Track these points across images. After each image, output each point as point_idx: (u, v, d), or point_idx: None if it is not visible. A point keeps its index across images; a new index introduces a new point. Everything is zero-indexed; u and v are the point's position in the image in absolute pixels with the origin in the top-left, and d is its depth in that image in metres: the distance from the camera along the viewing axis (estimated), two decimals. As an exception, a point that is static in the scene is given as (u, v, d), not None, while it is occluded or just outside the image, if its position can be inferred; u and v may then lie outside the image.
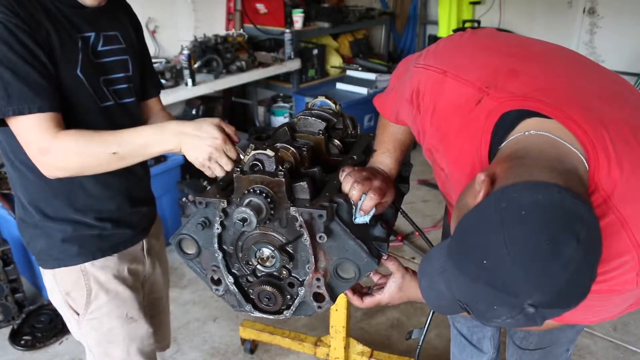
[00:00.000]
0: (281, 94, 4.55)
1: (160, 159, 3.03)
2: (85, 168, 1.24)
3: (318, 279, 1.12)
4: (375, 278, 1.24)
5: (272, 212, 1.06)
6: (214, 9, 4.05)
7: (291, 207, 1.07)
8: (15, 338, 2.56)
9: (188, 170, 3.22)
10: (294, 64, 4.02)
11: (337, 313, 2.08)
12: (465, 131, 0.96)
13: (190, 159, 1.20)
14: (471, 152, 0.96)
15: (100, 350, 1.49)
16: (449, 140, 1.01)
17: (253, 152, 1.11)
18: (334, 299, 1.15)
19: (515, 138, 0.88)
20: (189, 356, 2.51)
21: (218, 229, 1.13)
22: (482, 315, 0.76)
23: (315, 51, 4.31)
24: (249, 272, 1.18)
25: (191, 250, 1.19)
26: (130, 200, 1.44)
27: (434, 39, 4.87)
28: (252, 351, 2.49)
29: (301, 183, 1.09)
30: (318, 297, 1.15)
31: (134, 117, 1.42)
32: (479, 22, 4.72)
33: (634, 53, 4.13)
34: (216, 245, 1.15)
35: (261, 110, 4.50)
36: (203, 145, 1.17)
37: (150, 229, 1.56)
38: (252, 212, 1.03)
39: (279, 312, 1.20)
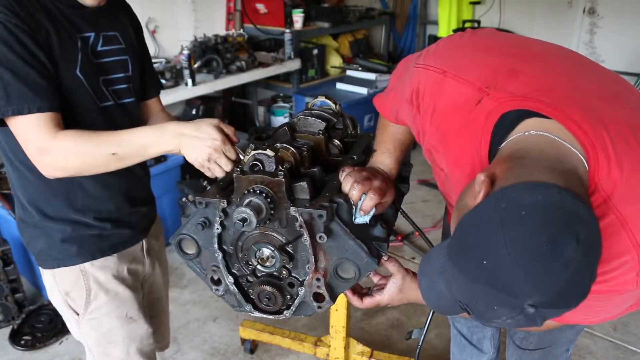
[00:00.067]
0: (281, 94, 4.55)
1: (160, 159, 3.03)
2: (85, 168, 1.24)
3: (318, 279, 1.12)
4: (376, 279, 1.24)
5: (272, 212, 1.06)
6: (214, 9, 4.05)
7: (291, 207, 1.07)
8: (15, 338, 2.56)
9: (188, 170, 3.22)
10: (294, 64, 4.02)
11: (337, 313, 2.08)
12: (465, 131, 0.96)
13: (190, 160, 1.20)
14: (471, 152, 0.96)
15: (99, 350, 1.49)
16: (448, 141, 1.01)
17: (253, 152, 1.11)
18: (334, 299, 1.15)
19: (515, 138, 0.88)
20: (189, 356, 2.51)
21: (218, 229, 1.13)
22: (482, 316, 0.76)
23: (315, 51, 4.31)
24: (249, 272, 1.18)
25: (191, 250, 1.19)
26: (130, 201, 1.44)
27: (434, 39, 4.86)
28: (252, 351, 2.49)
29: (301, 183, 1.09)
30: (318, 297, 1.15)
31: (133, 118, 1.42)
32: (479, 22, 4.72)
33: (634, 53, 4.12)
34: (216, 245, 1.15)
35: (261, 110, 4.50)
36: (202, 146, 1.17)
37: (150, 229, 1.56)
38: (252, 212, 1.03)
39: (279, 312, 1.20)
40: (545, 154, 0.81)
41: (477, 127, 0.94)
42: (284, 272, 1.15)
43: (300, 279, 1.15)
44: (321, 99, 1.44)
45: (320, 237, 1.07)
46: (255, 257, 1.15)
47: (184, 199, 1.17)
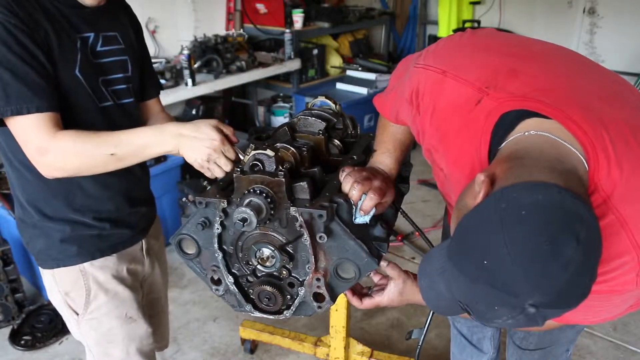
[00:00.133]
0: (281, 94, 4.55)
1: (160, 159, 3.03)
2: (84, 168, 1.24)
3: (318, 279, 1.12)
4: (376, 278, 1.24)
5: (272, 212, 1.06)
6: (214, 9, 4.05)
7: (291, 207, 1.07)
8: (15, 338, 2.56)
9: (188, 170, 3.21)
10: (294, 64, 4.02)
11: (337, 313, 2.08)
12: (464, 131, 0.96)
13: (189, 160, 1.20)
14: (471, 152, 0.96)
15: (99, 350, 1.49)
16: (448, 141, 1.01)
17: (253, 152, 1.11)
18: (334, 299, 1.15)
19: (515, 138, 0.88)
20: (189, 356, 2.51)
21: (218, 229, 1.13)
22: (482, 316, 0.76)
23: (315, 51, 4.31)
24: (249, 272, 1.18)
25: (191, 250, 1.19)
26: (129, 201, 1.44)
27: (434, 39, 4.86)
28: (252, 351, 2.49)
29: (301, 183, 1.09)
30: (318, 297, 1.15)
31: (132, 118, 1.41)
32: (479, 22, 4.72)
33: (634, 53, 4.12)
34: (216, 245, 1.15)
35: (261, 110, 4.49)
36: (201, 146, 1.17)
37: (149, 229, 1.56)
38: (252, 212, 1.03)
39: (279, 312, 1.20)
40: (545, 154, 0.81)
41: (477, 127, 0.94)
42: (284, 272, 1.15)
43: (300, 279, 1.15)
44: (321, 99, 1.44)
45: (320, 237, 1.07)
46: (256, 257, 1.15)
47: (184, 199, 1.17)
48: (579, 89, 0.93)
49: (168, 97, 3.10)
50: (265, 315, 1.21)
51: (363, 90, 4.21)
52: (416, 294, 1.15)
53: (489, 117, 0.92)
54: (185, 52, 3.22)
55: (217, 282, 1.21)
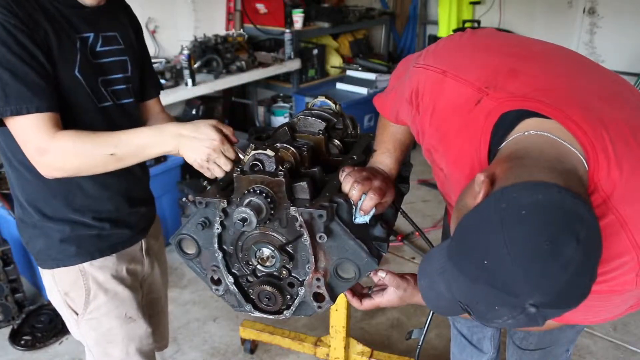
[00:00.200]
0: (281, 94, 4.55)
1: (160, 159, 3.03)
2: (83, 168, 1.24)
3: (318, 279, 1.12)
4: (376, 278, 1.24)
5: (272, 212, 1.06)
6: (214, 9, 4.05)
7: (291, 207, 1.07)
8: (15, 338, 2.56)
9: (188, 170, 3.21)
10: (294, 64, 4.02)
11: (337, 313, 2.08)
12: (464, 131, 0.96)
13: (189, 160, 1.20)
14: (470, 152, 0.96)
15: (99, 350, 1.49)
16: (448, 141, 1.01)
17: (253, 152, 1.11)
18: (334, 299, 1.15)
19: (514, 138, 0.87)
20: (189, 356, 2.50)
21: (218, 229, 1.13)
22: (482, 316, 0.76)
23: (315, 51, 4.31)
24: (249, 272, 1.18)
25: (191, 250, 1.19)
26: (129, 201, 1.44)
27: (434, 39, 4.86)
28: (252, 351, 2.49)
29: (301, 183, 1.09)
30: (318, 297, 1.15)
31: (132, 118, 1.41)
32: (479, 22, 4.72)
33: (634, 53, 4.12)
34: (216, 245, 1.15)
35: (261, 110, 4.49)
36: (201, 146, 1.17)
37: (149, 229, 1.56)
38: (252, 212, 1.03)
39: (279, 312, 1.19)
40: (545, 154, 0.81)
41: (477, 127, 0.94)
42: (284, 272, 1.15)
43: (300, 279, 1.15)
44: (321, 99, 1.44)
45: (320, 237, 1.07)
46: (255, 257, 1.15)
47: (184, 199, 1.17)
48: (579, 89, 0.93)
49: (168, 97, 3.10)
50: (265, 315, 1.21)
51: (363, 90, 4.21)
52: (416, 295, 1.15)
53: (488, 117, 0.92)
54: (185, 52, 3.22)
55: (217, 282, 1.21)
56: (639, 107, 0.93)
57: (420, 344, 1.34)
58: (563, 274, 0.67)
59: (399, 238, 3.29)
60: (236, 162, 1.20)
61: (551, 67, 0.97)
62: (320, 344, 2.32)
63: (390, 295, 1.17)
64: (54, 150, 1.18)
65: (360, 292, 1.22)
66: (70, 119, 1.24)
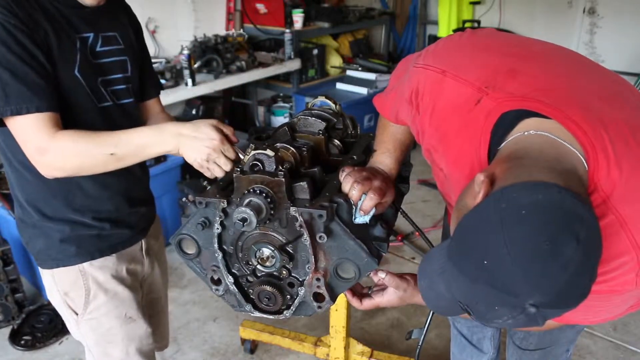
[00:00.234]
0: (281, 94, 4.55)
1: (160, 159, 3.03)
2: (83, 168, 1.24)
3: (318, 279, 1.12)
4: (376, 278, 1.24)
5: (272, 212, 1.06)
6: (214, 9, 4.05)
7: (291, 207, 1.07)
8: (15, 338, 2.56)
9: (188, 170, 3.22)
10: (294, 64, 4.02)
11: (337, 313, 2.08)
12: (464, 131, 0.96)
13: (189, 160, 1.20)
14: (470, 152, 0.96)
15: (99, 350, 1.49)
16: (448, 141, 1.01)
17: (253, 152, 1.11)
18: (334, 299, 1.15)
19: (514, 138, 0.87)
20: (189, 356, 2.51)
21: (218, 229, 1.13)
22: (482, 316, 0.76)
23: (315, 51, 4.31)
24: (249, 272, 1.18)
25: (191, 250, 1.19)
26: (129, 201, 1.44)
27: (434, 39, 4.86)
28: (252, 351, 2.49)
29: (301, 183, 1.09)
30: (318, 297, 1.15)
31: (132, 118, 1.41)
32: (479, 22, 4.72)
33: (634, 53, 4.12)
34: (216, 245, 1.15)
35: (261, 110, 4.49)
36: (201, 146, 1.17)
37: (149, 229, 1.56)
38: (252, 212, 1.03)
39: (279, 312, 1.19)
40: (544, 153, 0.81)
41: (477, 127, 0.94)
42: (284, 272, 1.15)
43: (300, 279, 1.15)
44: (321, 99, 1.44)
45: (320, 237, 1.07)
46: (255, 257, 1.15)
47: (184, 199, 1.17)
48: (578, 89, 0.93)
49: (168, 97, 3.10)
50: (265, 315, 1.21)
51: (363, 90, 4.21)
52: (416, 295, 1.15)
53: (488, 117, 0.92)
54: (185, 52, 3.22)
55: (217, 282, 1.21)
56: (638, 107, 0.93)
57: (420, 344, 1.34)
58: (563, 274, 0.67)
59: (399, 238, 3.29)
60: (236, 162, 1.20)
61: (551, 67, 0.97)
62: (320, 344, 2.32)
63: (390, 295, 1.17)
64: (54, 150, 1.18)
65: (360, 292, 1.22)
66: (70, 119, 1.24)
